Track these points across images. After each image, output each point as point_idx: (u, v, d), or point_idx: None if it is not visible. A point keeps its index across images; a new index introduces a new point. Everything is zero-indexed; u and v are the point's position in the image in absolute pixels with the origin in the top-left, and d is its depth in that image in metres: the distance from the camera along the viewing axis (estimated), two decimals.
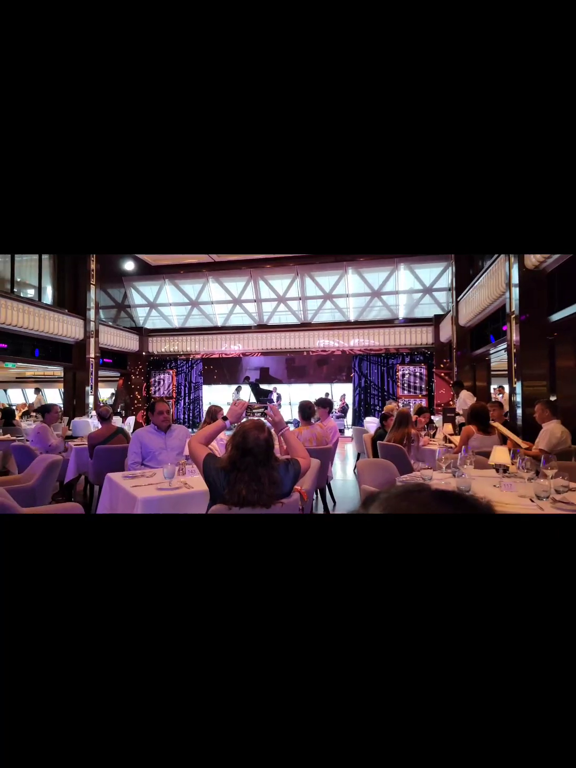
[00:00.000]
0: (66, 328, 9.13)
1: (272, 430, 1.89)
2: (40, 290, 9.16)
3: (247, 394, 12.26)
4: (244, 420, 1.85)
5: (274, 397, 11.79)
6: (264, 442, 1.73)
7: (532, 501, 1.92)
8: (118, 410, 11.54)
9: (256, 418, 2.16)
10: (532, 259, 5.15)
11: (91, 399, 9.57)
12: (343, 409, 11.77)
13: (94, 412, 8.57)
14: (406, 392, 11.31)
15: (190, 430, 3.73)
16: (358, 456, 6.49)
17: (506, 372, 5.77)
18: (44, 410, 4.49)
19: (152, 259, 11.42)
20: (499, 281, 6.14)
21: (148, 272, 11.99)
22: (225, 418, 1.97)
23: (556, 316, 4.95)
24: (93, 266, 9.62)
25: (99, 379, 9.90)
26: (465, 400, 6.60)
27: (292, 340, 11.78)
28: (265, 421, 1.89)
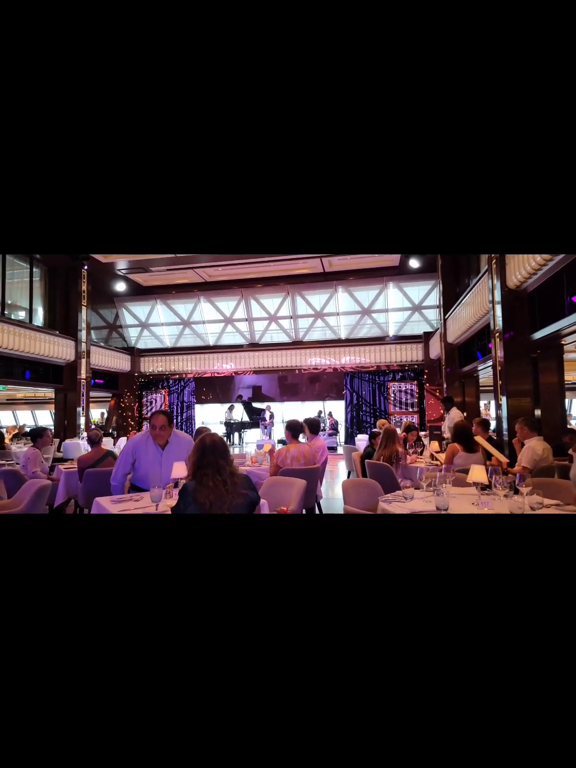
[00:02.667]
0: (57, 349, 9.15)
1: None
2: (30, 312, 9.21)
3: (239, 412, 12.26)
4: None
5: (267, 415, 11.80)
6: (220, 440, 2.03)
7: None
8: (110, 431, 11.47)
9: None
10: (513, 279, 5.30)
11: (82, 420, 9.52)
12: (334, 426, 11.80)
13: (85, 434, 8.52)
14: (397, 409, 11.38)
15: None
16: (349, 474, 6.50)
17: (493, 388, 5.87)
18: (36, 435, 4.48)
19: (143, 279, 11.53)
20: (484, 299, 6.28)
21: (139, 293, 12.10)
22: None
23: (538, 334, 5.07)
24: (84, 287, 9.71)
25: (90, 400, 9.88)
26: (453, 418, 6.66)
27: (284, 359, 11.88)
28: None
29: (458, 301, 7.96)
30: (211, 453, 1.94)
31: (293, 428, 3.78)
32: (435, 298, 10.45)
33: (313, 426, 4.39)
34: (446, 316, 8.81)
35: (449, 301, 8.69)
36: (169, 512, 2.14)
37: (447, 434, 6.34)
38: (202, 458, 1.93)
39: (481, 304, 6.45)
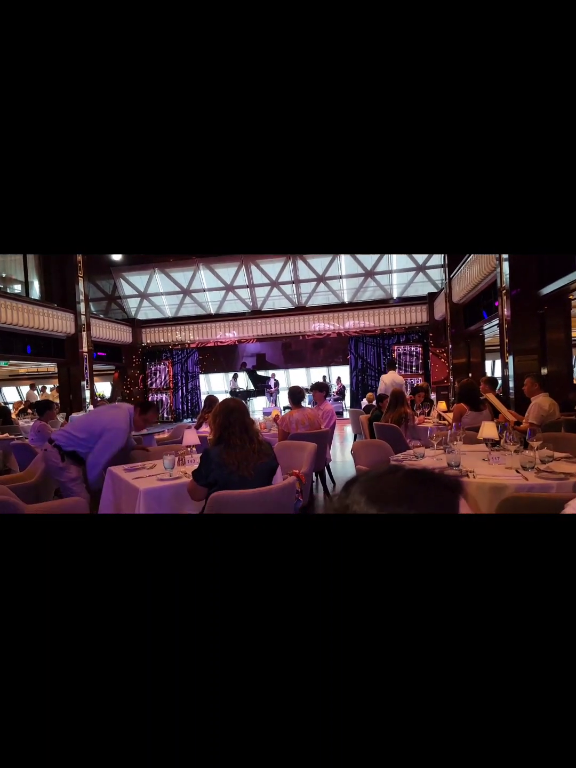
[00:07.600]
0: (56, 322, 9.07)
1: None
2: (26, 285, 9.07)
3: (244, 380, 12.27)
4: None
5: (272, 383, 11.81)
6: (242, 403, 2.07)
7: (518, 472, 1.98)
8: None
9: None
10: None
11: (87, 393, 9.57)
12: (341, 392, 11.83)
13: (91, 407, 8.59)
14: (402, 371, 11.36)
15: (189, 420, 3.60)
16: (356, 437, 6.56)
17: (499, 347, 5.81)
18: (42, 407, 4.51)
19: None
20: (490, 257, 6.12)
21: (136, 261, 11.85)
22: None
23: (546, 290, 4.97)
24: (79, 257, 9.50)
25: (94, 373, 9.89)
26: (385, 381, 6.64)
27: (287, 325, 11.76)
28: None
29: (464, 260, 7.76)
30: (236, 411, 1.96)
31: (294, 395, 3.91)
32: (439, 257, 10.19)
33: (322, 387, 4.46)
34: (451, 276, 8.62)
35: (454, 260, 8.47)
36: (188, 477, 2.17)
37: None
38: (229, 416, 1.94)
39: (488, 261, 6.29)
